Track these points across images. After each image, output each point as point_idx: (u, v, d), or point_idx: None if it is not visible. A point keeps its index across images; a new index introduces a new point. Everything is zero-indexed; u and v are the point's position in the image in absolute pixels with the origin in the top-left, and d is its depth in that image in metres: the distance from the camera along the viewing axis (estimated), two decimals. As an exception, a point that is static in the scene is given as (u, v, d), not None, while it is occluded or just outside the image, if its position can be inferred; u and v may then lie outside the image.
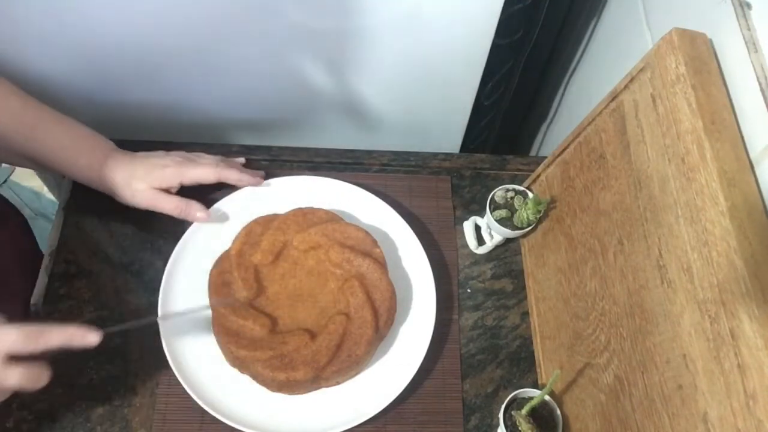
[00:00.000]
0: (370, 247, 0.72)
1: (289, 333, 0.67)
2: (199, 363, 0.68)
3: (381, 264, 0.71)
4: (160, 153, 0.75)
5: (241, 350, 0.65)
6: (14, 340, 0.53)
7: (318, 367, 0.64)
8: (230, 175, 0.74)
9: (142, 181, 0.71)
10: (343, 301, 0.69)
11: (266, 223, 0.73)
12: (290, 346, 0.65)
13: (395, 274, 0.72)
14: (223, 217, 0.75)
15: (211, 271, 0.71)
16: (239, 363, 0.66)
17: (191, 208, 0.72)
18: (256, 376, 0.66)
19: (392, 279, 0.70)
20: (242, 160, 0.81)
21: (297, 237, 0.71)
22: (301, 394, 0.68)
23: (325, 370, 0.65)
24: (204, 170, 0.72)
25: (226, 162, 0.78)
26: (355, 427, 0.66)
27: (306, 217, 0.73)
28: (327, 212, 0.74)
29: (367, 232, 0.72)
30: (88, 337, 0.57)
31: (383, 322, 0.68)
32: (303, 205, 0.74)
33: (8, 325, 0.54)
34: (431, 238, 0.80)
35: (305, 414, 0.67)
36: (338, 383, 0.69)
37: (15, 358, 0.54)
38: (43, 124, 0.68)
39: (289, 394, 0.68)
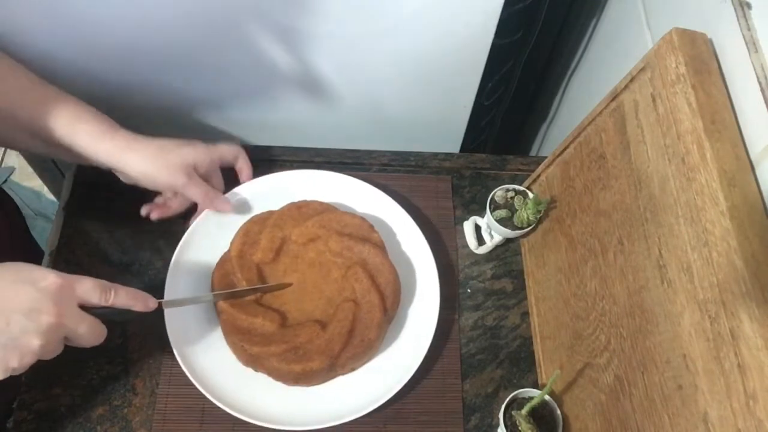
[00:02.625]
0: (367, 233, 0.72)
1: (300, 325, 0.67)
2: (211, 363, 0.67)
3: (381, 248, 0.71)
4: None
5: (254, 347, 0.65)
6: (90, 288, 0.55)
7: (333, 355, 0.65)
8: (243, 167, 0.75)
9: (176, 155, 0.68)
10: (349, 289, 0.69)
11: (262, 221, 0.73)
12: (302, 337, 0.65)
13: (395, 259, 0.72)
14: (220, 219, 0.74)
15: (213, 274, 0.71)
16: (253, 360, 0.66)
17: (218, 198, 0.72)
18: (271, 372, 0.66)
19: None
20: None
21: (295, 231, 0.72)
22: (318, 384, 0.68)
23: (340, 357, 0.65)
24: (228, 148, 0.73)
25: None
26: (356, 425, 0.66)
27: (301, 211, 0.73)
28: (321, 203, 0.74)
29: (362, 218, 0.72)
30: (149, 302, 0.59)
31: (390, 303, 0.68)
32: (297, 200, 0.74)
33: (83, 275, 0.55)
34: (431, 237, 0.80)
35: (306, 407, 0.67)
36: (353, 369, 0.69)
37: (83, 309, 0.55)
38: (48, 99, 0.67)
39: (306, 385, 0.68)
